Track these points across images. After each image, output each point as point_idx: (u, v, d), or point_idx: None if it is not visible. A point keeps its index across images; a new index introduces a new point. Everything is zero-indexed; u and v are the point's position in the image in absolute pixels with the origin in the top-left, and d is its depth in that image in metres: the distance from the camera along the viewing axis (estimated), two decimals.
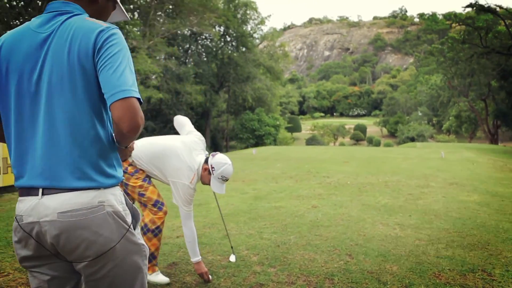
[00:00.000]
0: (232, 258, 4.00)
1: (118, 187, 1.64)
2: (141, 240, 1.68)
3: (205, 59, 41.79)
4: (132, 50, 26.53)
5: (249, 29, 42.11)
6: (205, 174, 3.40)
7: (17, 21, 15.47)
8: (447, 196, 7.45)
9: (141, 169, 3.48)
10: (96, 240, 1.51)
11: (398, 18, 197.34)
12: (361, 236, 4.87)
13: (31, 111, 1.52)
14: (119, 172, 1.63)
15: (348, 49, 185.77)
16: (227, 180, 3.40)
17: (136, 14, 33.87)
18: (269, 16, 46.60)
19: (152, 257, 3.53)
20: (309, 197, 7.42)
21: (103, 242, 1.52)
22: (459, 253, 4.24)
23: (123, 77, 1.45)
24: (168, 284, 3.50)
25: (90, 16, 1.65)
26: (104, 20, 1.75)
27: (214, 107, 41.50)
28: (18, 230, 1.55)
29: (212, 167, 3.34)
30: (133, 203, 3.86)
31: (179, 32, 35.98)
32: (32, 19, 1.60)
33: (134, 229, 1.67)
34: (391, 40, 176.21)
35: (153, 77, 29.75)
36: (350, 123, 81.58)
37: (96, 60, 1.48)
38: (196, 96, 35.35)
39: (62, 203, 1.48)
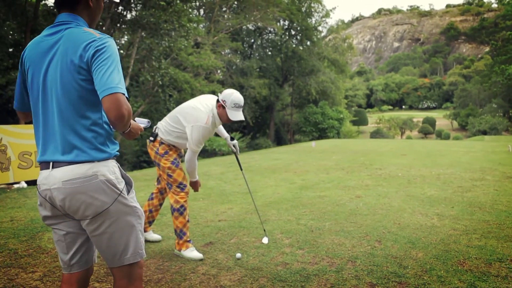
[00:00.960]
0: (265, 240, 4.29)
1: (112, 160, 2.02)
2: (133, 203, 2.06)
3: (269, 53, 42.09)
4: (197, 46, 27.40)
5: (313, 22, 41.86)
6: (221, 110, 3.88)
7: None
8: (499, 189, 7.29)
9: (171, 150, 3.98)
10: (92, 202, 1.92)
11: (474, 5, 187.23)
12: (395, 225, 4.99)
13: (41, 102, 1.96)
14: (111, 149, 2.01)
15: (419, 39, 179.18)
16: (240, 106, 3.86)
17: (201, 11, 34.85)
18: (334, 8, 45.97)
19: (182, 234, 3.97)
20: (355, 188, 7.55)
21: (98, 204, 1.93)
22: (492, 243, 4.26)
23: (111, 77, 1.81)
24: (201, 259, 3.86)
25: (88, 16, 2.09)
26: (99, 13, 2.16)
27: (279, 100, 41.77)
28: (38, 195, 2.01)
29: (223, 101, 3.81)
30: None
31: (243, 27, 36.56)
32: (45, 28, 2.02)
33: (128, 194, 2.04)
34: (465, 28, 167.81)
35: (218, 71, 30.49)
36: (418, 116, 78.95)
37: (91, 63, 1.85)
38: (260, 90, 35.81)
39: (65, 173, 1.90)
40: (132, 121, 2.07)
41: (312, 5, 41.59)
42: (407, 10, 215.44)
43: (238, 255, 3.90)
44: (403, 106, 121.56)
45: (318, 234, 4.63)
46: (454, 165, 11.03)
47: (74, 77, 1.88)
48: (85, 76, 1.88)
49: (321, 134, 39.30)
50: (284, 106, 45.42)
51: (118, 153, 2.07)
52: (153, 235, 4.50)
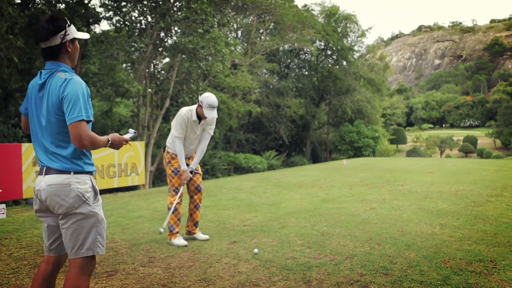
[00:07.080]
0: (255, 250, 4.84)
1: (85, 174, 2.67)
2: (95, 209, 2.68)
3: (305, 73, 43.03)
4: (234, 67, 28.59)
5: (349, 42, 42.53)
6: (200, 109, 5.07)
7: None
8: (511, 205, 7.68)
9: (173, 160, 5.19)
10: (63, 204, 2.57)
11: None
12: (399, 232, 5.64)
13: (36, 124, 2.66)
14: (85, 167, 2.68)
15: (461, 56, 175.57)
16: (214, 107, 5.01)
17: (239, 33, 36.18)
18: (370, 28, 46.73)
19: (172, 228, 5.14)
20: (372, 201, 8.19)
21: (68, 205, 2.58)
22: (480, 248, 4.80)
23: (73, 109, 2.49)
24: (185, 245, 5.07)
25: (69, 59, 2.72)
26: (77, 53, 2.81)
27: (315, 119, 42.45)
28: (34, 193, 2.72)
29: (201, 102, 5.00)
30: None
31: (280, 48, 37.57)
32: (39, 72, 2.70)
33: (93, 202, 2.68)
34: (511, 44, 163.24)
35: (256, 90, 31.49)
36: (460, 135, 77.44)
37: (62, 102, 2.55)
38: (297, 109, 36.65)
39: (49, 180, 2.59)
40: (116, 134, 2.77)
41: (348, 25, 42.33)
42: (449, 26, 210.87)
43: (256, 250, 4.71)
44: (444, 125, 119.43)
45: (328, 238, 5.37)
46: (477, 182, 11.39)
47: (55, 112, 2.55)
48: (61, 111, 2.54)
49: (357, 152, 39.54)
50: (320, 125, 45.98)
51: (93, 168, 2.74)
52: (201, 236, 5.41)
